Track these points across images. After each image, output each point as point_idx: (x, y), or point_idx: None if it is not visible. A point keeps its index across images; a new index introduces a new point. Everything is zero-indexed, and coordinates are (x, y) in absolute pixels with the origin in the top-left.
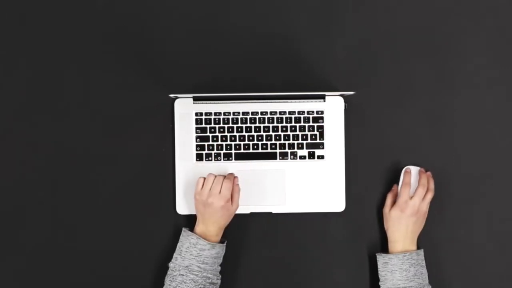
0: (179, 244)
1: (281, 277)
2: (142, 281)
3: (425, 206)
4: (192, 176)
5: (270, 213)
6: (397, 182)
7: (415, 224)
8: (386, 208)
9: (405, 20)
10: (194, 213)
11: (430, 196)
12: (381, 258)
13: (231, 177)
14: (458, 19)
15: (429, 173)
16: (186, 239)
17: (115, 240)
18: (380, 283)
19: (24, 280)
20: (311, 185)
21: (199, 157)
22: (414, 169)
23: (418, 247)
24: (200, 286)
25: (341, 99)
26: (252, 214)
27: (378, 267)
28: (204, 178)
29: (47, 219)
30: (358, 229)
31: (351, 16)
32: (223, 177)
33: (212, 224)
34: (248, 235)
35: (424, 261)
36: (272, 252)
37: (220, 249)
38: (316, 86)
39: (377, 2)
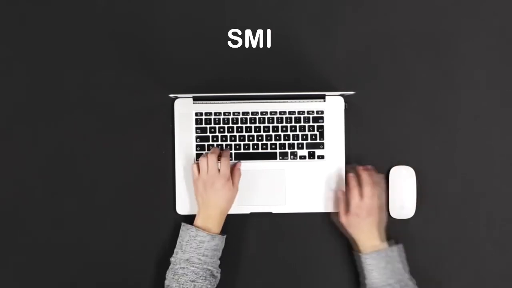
0: (179, 239)
1: (281, 277)
2: (142, 281)
3: (376, 201)
4: (192, 176)
5: (270, 213)
6: (387, 183)
7: (374, 222)
8: (343, 217)
9: (405, 20)
10: (194, 213)
11: (376, 190)
12: (357, 258)
13: (226, 155)
14: (458, 19)
15: (368, 166)
16: (185, 233)
17: (115, 240)
18: (360, 278)
19: (24, 280)
20: (311, 185)
21: (199, 157)
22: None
23: (397, 242)
24: (201, 277)
25: (341, 99)
26: (252, 214)
27: (357, 263)
28: (197, 165)
29: (47, 219)
30: None
31: (351, 16)
32: (216, 157)
33: (213, 208)
34: (248, 235)
35: (401, 256)
36: (272, 252)
37: (220, 241)
38: (316, 86)
39: (377, 2)
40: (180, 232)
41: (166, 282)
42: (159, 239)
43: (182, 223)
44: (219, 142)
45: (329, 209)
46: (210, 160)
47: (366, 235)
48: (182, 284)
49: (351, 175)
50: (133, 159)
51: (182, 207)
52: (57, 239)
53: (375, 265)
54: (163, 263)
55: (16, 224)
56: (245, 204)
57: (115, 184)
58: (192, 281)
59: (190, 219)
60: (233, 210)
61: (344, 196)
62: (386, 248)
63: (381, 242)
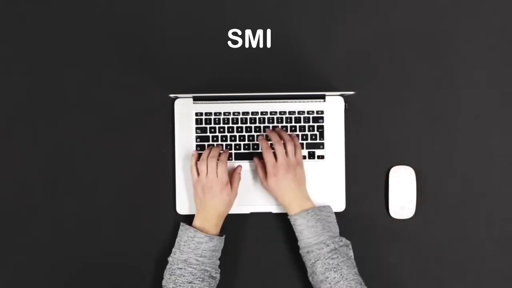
0: (177, 239)
1: (281, 277)
2: (142, 280)
3: (292, 158)
4: (191, 178)
5: (270, 213)
6: (387, 183)
7: (294, 179)
8: (263, 183)
9: (405, 20)
10: (194, 213)
11: (289, 147)
12: (290, 220)
13: (225, 158)
14: (458, 19)
15: (277, 128)
16: (184, 233)
17: (115, 240)
18: (298, 243)
19: (24, 280)
20: (311, 185)
21: (199, 157)
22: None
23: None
24: (199, 279)
25: (341, 99)
26: (252, 214)
27: (293, 228)
28: (196, 167)
29: (47, 219)
30: (358, 229)
31: (351, 16)
32: (216, 161)
33: (211, 212)
34: (248, 235)
35: (331, 216)
36: (272, 252)
37: (218, 242)
38: (316, 86)
39: (377, 2)
40: (179, 232)
41: (163, 282)
42: (159, 239)
43: (181, 223)
44: (219, 142)
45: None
46: (209, 164)
47: (290, 195)
48: (179, 285)
49: (260, 138)
50: (133, 159)
51: (182, 207)
52: (57, 239)
53: (305, 224)
54: (163, 263)
55: (16, 224)
56: (245, 204)
57: (115, 184)
58: (189, 282)
59: (190, 219)
60: (233, 210)
61: (260, 162)
62: (314, 207)
63: (307, 200)
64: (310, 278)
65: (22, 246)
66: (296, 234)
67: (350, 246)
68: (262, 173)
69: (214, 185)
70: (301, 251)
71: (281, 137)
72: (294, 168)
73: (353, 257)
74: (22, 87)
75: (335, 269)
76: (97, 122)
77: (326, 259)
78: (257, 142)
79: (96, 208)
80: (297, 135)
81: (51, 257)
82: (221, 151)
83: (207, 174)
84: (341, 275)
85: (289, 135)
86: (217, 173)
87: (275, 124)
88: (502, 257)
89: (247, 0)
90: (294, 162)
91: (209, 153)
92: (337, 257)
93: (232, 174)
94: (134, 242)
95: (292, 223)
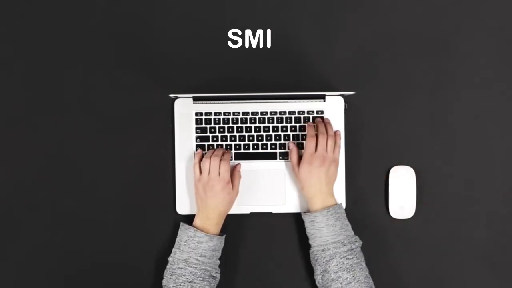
0: (177, 239)
1: (281, 277)
2: (142, 280)
3: (330, 153)
4: (192, 176)
5: (270, 213)
6: (388, 183)
7: (326, 174)
8: (295, 168)
9: (405, 20)
10: (194, 213)
11: (331, 142)
12: (307, 217)
13: (227, 157)
14: (458, 19)
15: (326, 119)
16: (184, 232)
17: (115, 240)
18: (310, 242)
19: (24, 280)
20: None
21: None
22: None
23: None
24: (199, 278)
25: (341, 99)
26: (252, 214)
27: (306, 226)
28: (199, 165)
29: (47, 219)
30: (358, 229)
31: (351, 16)
32: (219, 160)
33: (212, 210)
34: (248, 235)
35: (345, 214)
36: (272, 252)
37: (218, 242)
38: (316, 86)
39: (377, 2)
40: (179, 231)
41: (164, 282)
42: (159, 239)
43: (181, 223)
44: (219, 142)
45: None
46: (212, 162)
47: (317, 188)
48: (180, 285)
49: (310, 124)
50: (133, 159)
51: (182, 207)
52: (57, 239)
53: (325, 222)
54: (163, 263)
55: (16, 224)
56: (245, 204)
57: (115, 184)
58: (190, 282)
59: (190, 219)
60: (233, 210)
61: (296, 147)
62: (335, 204)
63: (331, 197)
64: (319, 277)
65: (22, 246)
66: (312, 231)
67: (360, 247)
68: (295, 158)
69: (216, 183)
70: (314, 249)
71: (326, 130)
72: (329, 163)
73: (364, 258)
74: (22, 87)
75: (348, 270)
76: (97, 122)
77: (342, 258)
78: (257, 142)
79: (96, 208)
80: (297, 135)
81: (51, 257)
82: (225, 151)
83: (209, 172)
84: (353, 276)
85: (335, 132)
86: (219, 171)
87: (275, 124)
88: (502, 257)
89: (247, 0)
90: (331, 158)
91: (213, 152)
92: (352, 257)
93: (233, 173)
94: (134, 242)
95: (310, 219)
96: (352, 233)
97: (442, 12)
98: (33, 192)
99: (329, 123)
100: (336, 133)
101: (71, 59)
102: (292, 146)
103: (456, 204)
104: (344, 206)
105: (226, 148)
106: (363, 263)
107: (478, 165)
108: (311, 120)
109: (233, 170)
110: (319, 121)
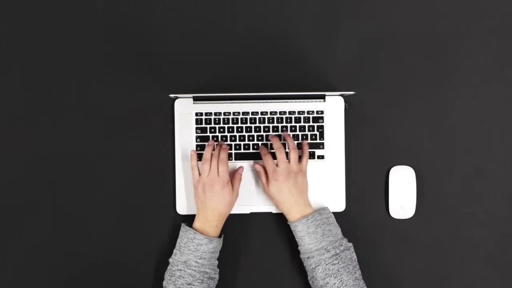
0: (178, 240)
1: (281, 277)
2: (142, 280)
3: (294, 165)
4: (192, 176)
5: (270, 213)
6: (388, 183)
7: (295, 186)
8: (265, 188)
9: (405, 20)
10: (194, 213)
11: (293, 154)
12: (290, 226)
13: (224, 158)
14: (458, 19)
15: (285, 133)
16: (184, 234)
17: (115, 240)
18: (298, 248)
19: (24, 280)
20: (311, 185)
21: (199, 157)
22: (400, 168)
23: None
24: (198, 280)
25: (341, 99)
26: (252, 214)
27: (293, 233)
28: (197, 167)
29: (47, 219)
30: (358, 229)
31: (351, 16)
32: (217, 161)
33: (212, 212)
34: (248, 235)
35: (330, 218)
36: (272, 252)
37: (218, 244)
38: (316, 86)
39: (377, 2)
40: (180, 232)
41: (164, 283)
42: (159, 239)
43: (182, 224)
44: (219, 141)
45: (329, 209)
46: (213, 165)
47: (290, 202)
48: (179, 287)
49: (261, 145)
50: (133, 159)
51: (182, 207)
52: (57, 239)
53: (305, 230)
54: (163, 263)
55: (16, 224)
56: (245, 204)
57: (115, 184)
58: (189, 284)
59: (190, 219)
60: (233, 210)
61: (262, 169)
62: (313, 212)
63: (307, 206)
64: (310, 282)
65: (22, 245)
66: (297, 239)
67: (352, 249)
68: (264, 178)
69: (215, 183)
70: (301, 256)
71: (287, 144)
72: (295, 175)
73: (356, 259)
74: (22, 87)
75: (335, 275)
76: (97, 122)
77: (327, 264)
78: (257, 142)
79: (96, 208)
80: (297, 135)
81: (51, 257)
82: (222, 149)
83: (208, 173)
84: (341, 281)
85: (299, 142)
86: (218, 172)
87: (275, 124)
88: (502, 257)
89: (247, 0)
90: (296, 169)
91: (210, 152)
92: (338, 262)
93: (233, 175)
94: (134, 242)
95: (292, 229)
96: (338, 237)
97: (442, 12)
98: (33, 192)
99: (288, 135)
100: (302, 143)
101: (71, 59)
102: (258, 167)
103: (456, 204)
104: (344, 206)
105: (222, 140)
106: (351, 266)
107: (478, 165)
108: (310, 120)
109: (235, 173)
110: (272, 137)
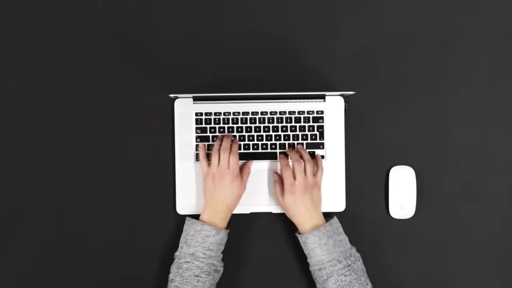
0: (183, 234)
1: (281, 277)
2: (142, 280)
3: (310, 178)
4: (192, 176)
5: (270, 213)
6: (388, 183)
7: (311, 200)
8: (279, 199)
9: (405, 20)
10: (194, 213)
11: (309, 167)
12: (300, 238)
13: (235, 150)
14: (458, 19)
15: (299, 146)
16: (190, 227)
17: (116, 240)
18: (307, 260)
19: (24, 280)
20: None
21: (199, 157)
22: (400, 168)
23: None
24: (205, 272)
25: (341, 99)
26: (252, 214)
27: (301, 245)
28: (207, 159)
29: (47, 219)
30: (358, 229)
31: (351, 16)
32: (228, 152)
33: (221, 203)
34: (249, 235)
35: (339, 228)
36: (272, 252)
37: (224, 235)
38: (316, 86)
39: (377, 2)
40: (185, 226)
41: (170, 276)
42: (159, 239)
43: (187, 218)
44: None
45: (329, 208)
46: (221, 155)
47: (305, 216)
48: (186, 279)
49: (281, 155)
50: (133, 159)
51: (182, 207)
52: (57, 239)
53: (317, 242)
54: (163, 263)
55: (16, 224)
56: (245, 204)
57: (115, 184)
58: (196, 276)
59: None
60: (234, 210)
61: (279, 178)
62: (325, 223)
63: (320, 220)
64: None
65: (22, 245)
66: (306, 252)
67: (361, 259)
68: (279, 189)
69: (225, 175)
70: (311, 268)
71: (301, 156)
72: (311, 189)
73: (365, 269)
74: (22, 87)
75: (348, 287)
76: (97, 122)
77: (339, 275)
78: (257, 142)
79: (96, 208)
80: (297, 135)
81: (51, 257)
82: (232, 141)
83: (218, 165)
84: None
85: (313, 156)
86: (228, 164)
87: (275, 124)
88: (502, 257)
89: (247, 0)
90: (312, 183)
91: (220, 144)
92: (350, 274)
93: (242, 168)
94: (134, 242)
95: (302, 241)
96: (348, 246)
97: (442, 12)
98: (33, 192)
99: (303, 148)
100: (317, 157)
101: (71, 59)
102: (276, 177)
103: (456, 204)
104: (344, 206)
105: (234, 138)
106: (363, 277)
107: (478, 165)
108: (310, 120)
109: (244, 166)
110: (290, 150)
